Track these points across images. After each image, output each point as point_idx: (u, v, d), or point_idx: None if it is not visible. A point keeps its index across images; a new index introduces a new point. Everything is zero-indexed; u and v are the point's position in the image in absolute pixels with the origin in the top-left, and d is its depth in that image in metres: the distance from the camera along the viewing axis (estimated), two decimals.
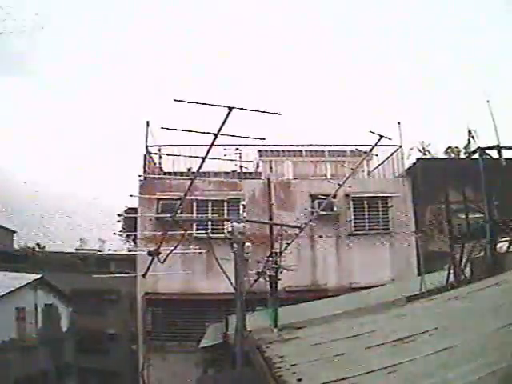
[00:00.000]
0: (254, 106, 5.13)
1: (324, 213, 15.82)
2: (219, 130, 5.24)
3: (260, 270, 10.08)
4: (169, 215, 7.16)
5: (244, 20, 76.33)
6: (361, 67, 67.94)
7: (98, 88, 73.55)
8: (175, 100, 4.81)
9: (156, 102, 58.56)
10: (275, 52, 74.27)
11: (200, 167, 6.11)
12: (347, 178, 7.62)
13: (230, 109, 4.95)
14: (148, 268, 8.26)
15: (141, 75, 74.42)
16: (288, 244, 10.33)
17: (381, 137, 6.30)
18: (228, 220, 14.16)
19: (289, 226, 9.43)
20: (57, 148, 71.04)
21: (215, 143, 5.57)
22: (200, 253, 13.03)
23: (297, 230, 8.55)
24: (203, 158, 5.87)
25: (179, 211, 7.64)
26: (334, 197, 15.32)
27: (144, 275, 9.42)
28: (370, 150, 8.21)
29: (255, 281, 10.09)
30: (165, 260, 7.53)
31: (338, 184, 7.59)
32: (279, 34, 72.74)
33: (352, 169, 7.31)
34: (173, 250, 7.54)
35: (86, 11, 68.10)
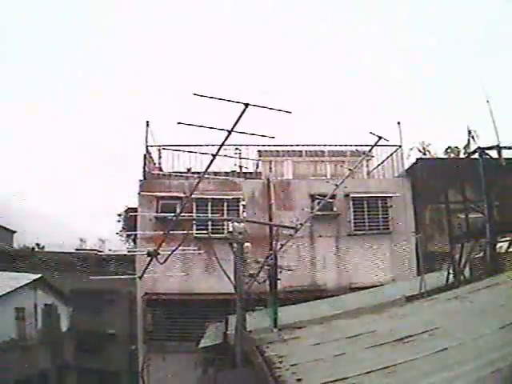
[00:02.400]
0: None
1: (324, 213, 15.83)
2: (233, 127, 5.18)
3: (254, 272, 10.02)
4: (172, 214, 7.16)
5: (243, 20, 76.37)
6: (360, 67, 67.97)
7: (96, 88, 73.55)
8: (194, 94, 4.74)
9: (155, 102, 58.51)
10: (274, 52, 74.30)
11: (209, 166, 6.04)
12: (345, 178, 7.62)
13: (246, 105, 4.90)
14: (145, 269, 8.24)
15: (140, 75, 74.46)
16: (282, 245, 10.29)
17: (379, 138, 6.30)
18: (228, 220, 14.15)
19: (284, 226, 9.40)
20: (56, 148, 71.03)
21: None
22: (200, 253, 13.01)
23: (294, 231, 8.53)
24: (214, 155, 5.81)
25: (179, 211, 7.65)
26: (334, 197, 15.32)
27: (140, 277, 9.40)
28: (369, 151, 8.22)
29: (248, 283, 10.05)
30: (165, 261, 7.52)
31: (335, 184, 7.57)
32: (279, 33, 72.78)
33: (350, 169, 7.30)
34: (173, 251, 7.53)
35: (85, 10, 68.10)
